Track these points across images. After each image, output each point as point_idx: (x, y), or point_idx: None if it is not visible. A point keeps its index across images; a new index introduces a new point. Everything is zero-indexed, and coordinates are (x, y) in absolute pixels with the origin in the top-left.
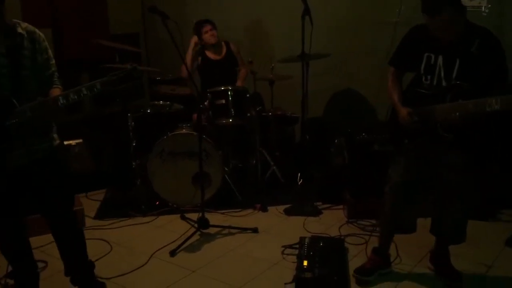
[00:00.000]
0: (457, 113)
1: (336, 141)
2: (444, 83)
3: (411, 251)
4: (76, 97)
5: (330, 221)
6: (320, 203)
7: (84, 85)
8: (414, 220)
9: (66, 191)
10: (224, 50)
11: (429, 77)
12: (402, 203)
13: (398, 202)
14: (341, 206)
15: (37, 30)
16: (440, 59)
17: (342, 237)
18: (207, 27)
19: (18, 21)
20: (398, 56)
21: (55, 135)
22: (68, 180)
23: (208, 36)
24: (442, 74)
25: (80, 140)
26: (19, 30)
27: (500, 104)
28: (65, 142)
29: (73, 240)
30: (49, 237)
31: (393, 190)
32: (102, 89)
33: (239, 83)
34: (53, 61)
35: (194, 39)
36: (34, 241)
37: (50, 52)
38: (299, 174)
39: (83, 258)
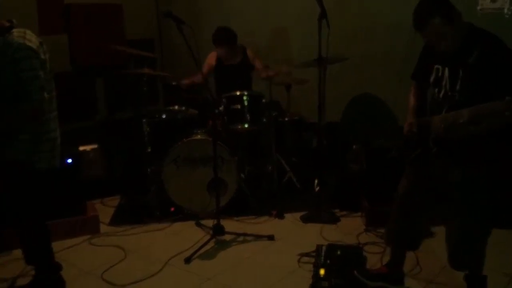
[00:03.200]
0: (442, 125)
1: (353, 147)
2: (449, 95)
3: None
4: None
5: (348, 229)
6: (338, 210)
7: None
8: (418, 236)
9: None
10: (240, 55)
11: (437, 89)
12: (403, 216)
13: (400, 215)
14: (359, 213)
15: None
16: (447, 71)
17: (360, 245)
18: (221, 50)
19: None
20: (416, 70)
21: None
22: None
23: (224, 58)
24: (448, 86)
25: (95, 146)
26: None
27: (468, 116)
28: (81, 148)
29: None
30: (64, 243)
31: (396, 202)
32: None
33: (263, 74)
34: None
35: (211, 57)
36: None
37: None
38: (315, 180)
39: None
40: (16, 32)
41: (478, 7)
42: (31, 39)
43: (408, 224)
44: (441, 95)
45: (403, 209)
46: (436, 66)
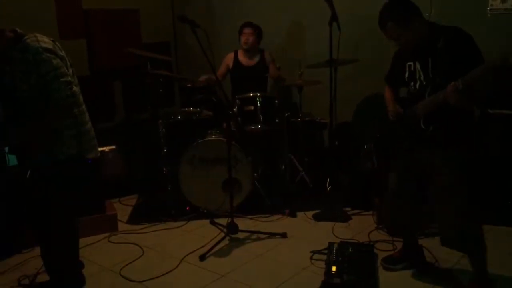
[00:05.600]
0: (433, 104)
1: (365, 146)
2: (424, 84)
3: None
4: None
5: (359, 227)
6: (349, 208)
7: None
8: (418, 220)
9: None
10: (258, 58)
11: (412, 83)
12: (399, 208)
13: (396, 208)
14: (370, 212)
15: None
16: (418, 65)
17: (372, 243)
18: (246, 30)
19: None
20: (389, 73)
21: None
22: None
23: (243, 39)
24: (422, 77)
25: (113, 147)
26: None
27: (462, 83)
28: (99, 149)
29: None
30: (84, 241)
31: (390, 196)
32: None
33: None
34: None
35: (229, 58)
36: None
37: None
38: (328, 180)
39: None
40: (27, 38)
41: (488, 8)
42: (44, 40)
43: (406, 213)
44: (417, 86)
45: (398, 201)
46: (408, 63)
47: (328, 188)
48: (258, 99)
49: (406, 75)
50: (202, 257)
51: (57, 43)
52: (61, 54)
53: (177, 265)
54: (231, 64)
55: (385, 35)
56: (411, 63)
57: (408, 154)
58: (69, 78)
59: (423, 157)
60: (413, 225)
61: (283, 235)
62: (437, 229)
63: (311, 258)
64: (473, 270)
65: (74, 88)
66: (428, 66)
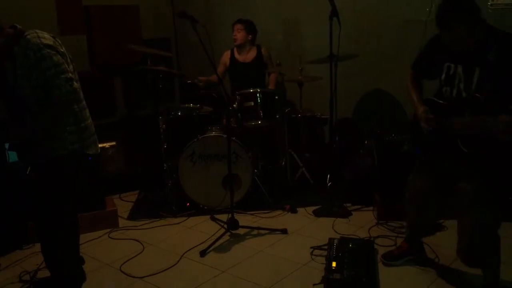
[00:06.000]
0: (478, 129)
1: (365, 142)
2: (464, 94)
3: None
4: None
5: (360, 223)
6: (350, 204)
7: None
8: (434, 224)
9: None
10: (254, 53)
11: (448, 88)
12: (421, 211)
13: (419, 211)
14: (370, 208)
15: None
16: (460, 69)
17: (372, 239)
18: (235, 26)
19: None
20: (419, 63)
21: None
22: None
23: (234, 35)
24: (462, 85)
25: (114, 143)
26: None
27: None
28: (100, 145)
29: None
30: (84, 237)
31: (412, 198)
32: None
33: (271, 87)
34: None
35: (225, 55)
36: None
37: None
38: (328, 175)
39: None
40: (28, 34)
41: (489, 3)
42: (45, 36)
43: (427, 219)
44: (454, 93)
45: (422, 208)
46: (447, 64)
47: (329, 184)
48: (258, 94)
49: (443, 76)
50: (203, 253)
51: (57, 40)
52: (62, 50)
53: (178, 261)
54: (228, 62)
55: (445, 35)
56: (451, 65)
57: (434, 161)
58: (70, 75)
59: (451, 165)
60: (431, 227)
61: (284, 231)
62: (439, 225)
63: (311, 253)
64: (486, 281)
65: (75, 84)
66: (473, 77)
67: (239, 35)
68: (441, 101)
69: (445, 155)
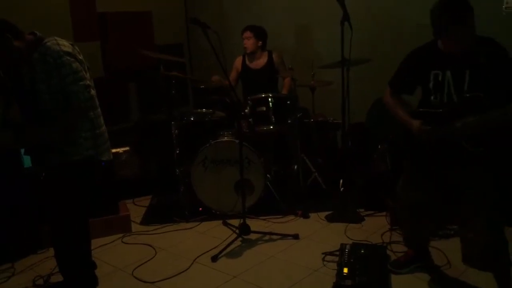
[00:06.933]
0: (485, 125)
1: (378, 146)
2: (455, 98)
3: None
4: None
5: (373, 228)
6: (363, 209)
7: None
8: (432, 231)
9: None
10: (265, 59)
11: (438, 94)
12: (418, 223)
13: (415, 223)
14: (383, 213)
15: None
16: (449, 74)
17: (384, 245)
18: (245, 34)
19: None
20: (400, 79)
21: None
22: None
23: (244, 43)
24: (453, 90)
25: (127, 148)
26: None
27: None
28: (113, 150)
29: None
30: (97, 241)
31: (405, 211)
32: None
33: (284, 91)
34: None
35: (238, 61)
36: None
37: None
38: (341, 181)
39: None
40: (48, 41)
41: (504, 6)
42: (64, 43)
43: (425, 230)
44: (444, 98)
45: (418, 219)
46: (434, 72)
47: (341, 189)
48: (270, 99)
49: (431, 84)
50: (214, 258)
51: (76, 47)
52: (80, 58)
53: (189, 266)
54: (240, 67)
55: (458, 30)
56: (439, 72)
57: (434, 170)
58: (88, 82)
59: (454, 172)
60: (429, 234)
61: (295, 236)
62: (453, 231)
63: (323, 259)
64: (499, 286)
65: (92, 91)
66: (465, 80)
67: (249, 42)
68: (433, 110)
69: (448, 162)
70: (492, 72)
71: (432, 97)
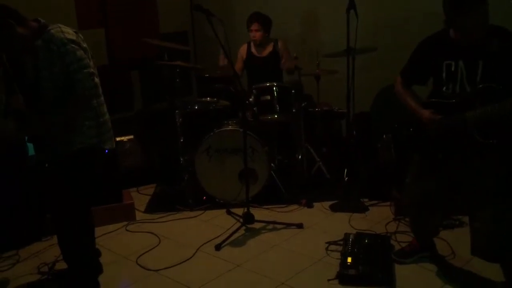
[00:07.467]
0: (496, 116)
1: (383, 136)
2: (468, 88)
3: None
4: None
5: (377, 218)
6: (367, 199)
7: None
8: (440, 224)
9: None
10: (270, 48)
11: (451, 85)
12: (426, 216)
13: (423, 215)
14: (388, 203)
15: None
16: (461, 64)
17: (388, 234)
18: (253, 26)
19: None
20: (411, 69)
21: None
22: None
23: (251, 35)
24: (465, 80)
25: (131, 137)
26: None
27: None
28: (117, 139)
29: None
30: (101, 229)
31: (414, 204)
32: None
33: (283, 64)
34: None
35: (242, 49)
36: None
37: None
38: (345, 170)
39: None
40: (52, 28)
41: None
42: (68, 31)
43: (433, 223)
44: (457, 89)
45: (427, 212)
46: (446, 62)
47: (346, 179)
48: (274, 88)
49: (444, 75)
50: (218, 247)
51: (80, 35)
52: (84, 45)
53: (193, 254)
54: (245, 55)
55: (471, 16)
56: (451, 62)
57: (442, 161)
58: (92, 70)
59: (463, 163)
60: (437, 227)
61: (299, 226)
62: (457, 221)
63: (326, 249)
64: (505, 279)
65: (96, 79)
66: (478, 70)
67: (258, 34)
68: (446, 101)
69: (458, 154)
70: (506, 63)
71: (444, 88)
